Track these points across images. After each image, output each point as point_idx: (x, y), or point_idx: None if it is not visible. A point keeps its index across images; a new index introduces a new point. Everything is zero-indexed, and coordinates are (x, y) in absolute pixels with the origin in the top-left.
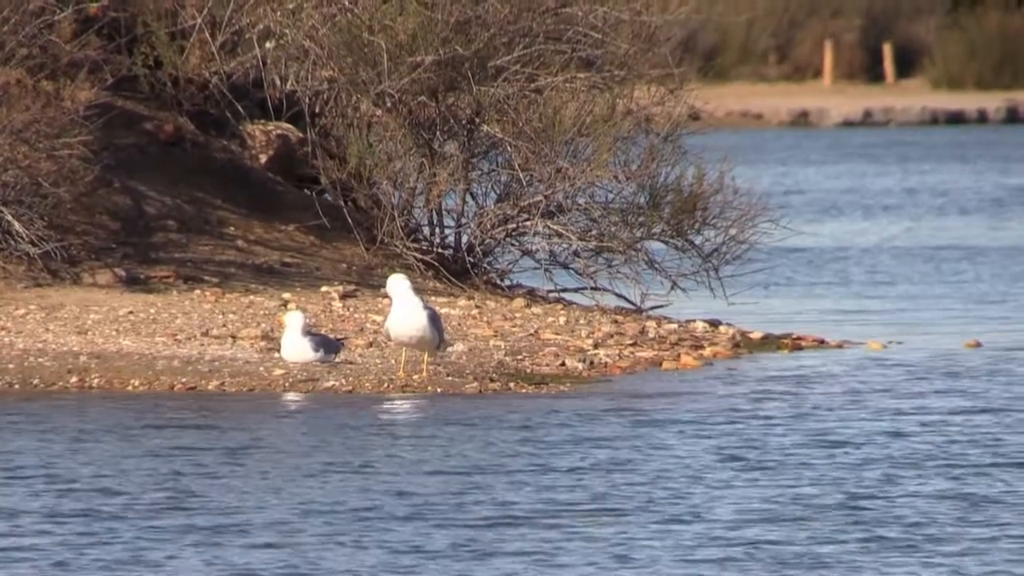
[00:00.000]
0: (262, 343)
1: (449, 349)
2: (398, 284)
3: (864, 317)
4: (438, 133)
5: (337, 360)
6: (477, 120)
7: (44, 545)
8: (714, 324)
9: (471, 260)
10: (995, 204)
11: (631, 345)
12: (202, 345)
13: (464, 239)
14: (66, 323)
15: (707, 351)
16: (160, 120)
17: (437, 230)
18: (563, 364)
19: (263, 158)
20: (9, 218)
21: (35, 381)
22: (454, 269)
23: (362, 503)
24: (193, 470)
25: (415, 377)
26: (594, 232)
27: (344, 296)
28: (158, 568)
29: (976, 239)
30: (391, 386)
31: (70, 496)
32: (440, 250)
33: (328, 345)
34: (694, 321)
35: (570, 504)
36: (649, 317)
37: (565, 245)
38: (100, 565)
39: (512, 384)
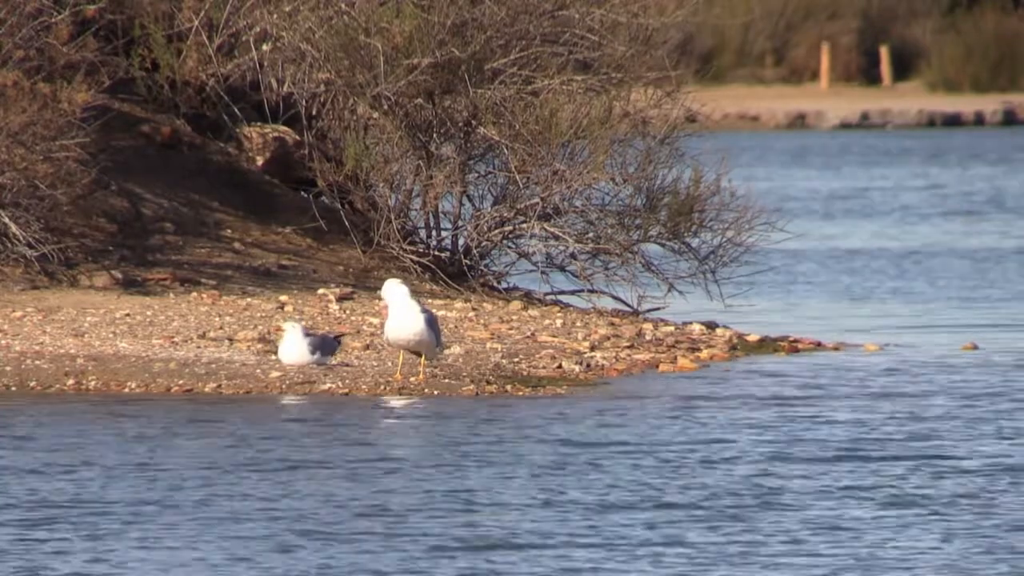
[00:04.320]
0: (259, 345)
1: (446, 352)
2: (394, 289)
3: (861, 320)
4: (435, 135)
5: (334, 361)
6: (474, 123)
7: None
8: (711, 326)
9: (468, 262)
10: (993, 206)
11: (628, 347)
12: (199, 347)
13: (461, 241)
14: (63, 325)
15: (704, 353)
16: (157, 123)
17: (434, 232)
18: (560, 367)
19: (260, 160)
20: (6, 220)
21: (32, 383)
22: (451, 271)
23: (357, 503)
24: (189, 471)
25: (412, 380)
26: (591, 234)
27: (341, 298)
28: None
29: (974, 241)
30: (388, 388)
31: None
32: (437, 252)
33: (325, 346)
34: (691, 323)
35: (566, 503)
36: (646, 319)
37: (562, 247)
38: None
39: (509, 387)
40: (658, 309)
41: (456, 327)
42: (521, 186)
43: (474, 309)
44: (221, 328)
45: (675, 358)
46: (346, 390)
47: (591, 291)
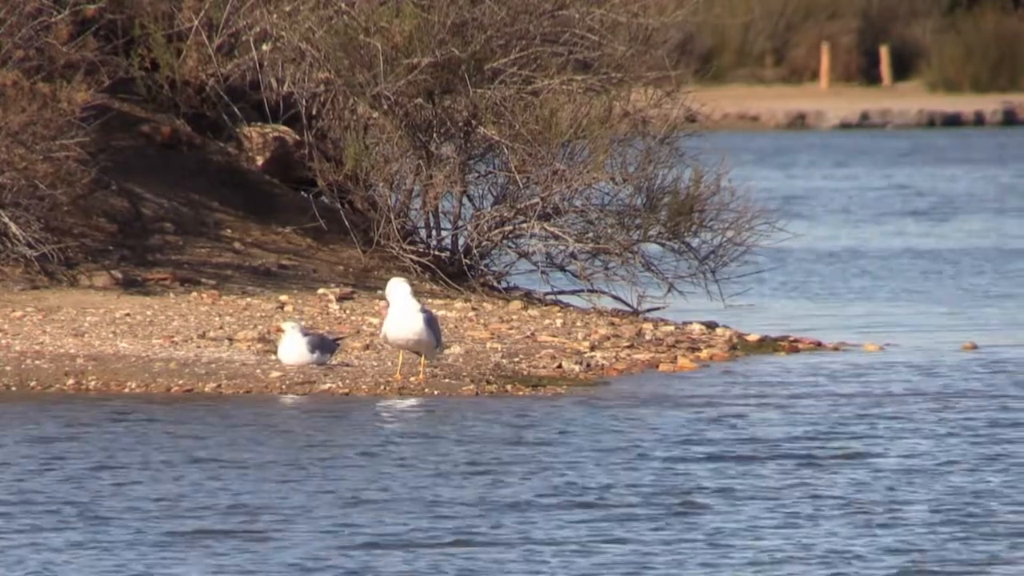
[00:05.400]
0: (259, 345)
1: (446, 352)
2: (397, 288)
3: (861, 319)
4: (435, 135)
5: (333, 361)
6: (474, 122)
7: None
8: (711, 326)
9: (468, 262)
10: (993, 206)
11: (628, 347)
12: (199, 347)
13: (461, 241)
14: (63, 325)
15: (704, 353)
16: (157, 122)
17: (434, 232)
18: (560, 366)
19: (260, 160)
20: (6, 220)
21: (32, 383)
22: (451, 271)
23: (356, 503)
24: (190, 470)
25: (412, 380)
26: (591, 234)
27: (341, 298)
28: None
29: (974, 241)
30: (388, 388)
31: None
32: (437, 252)
33: (324, 345)
34: (691, 323)
35: (566, 502)
36: (646, 319)
37: (562, 247)
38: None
39: (509, 386)
40: (658, 309)
41: (456, 327)
42: (521, 186)
43: (474, 309)
44: (221, 328)
45: (675, 358)
46: (346, 390)
47: (591, 291)
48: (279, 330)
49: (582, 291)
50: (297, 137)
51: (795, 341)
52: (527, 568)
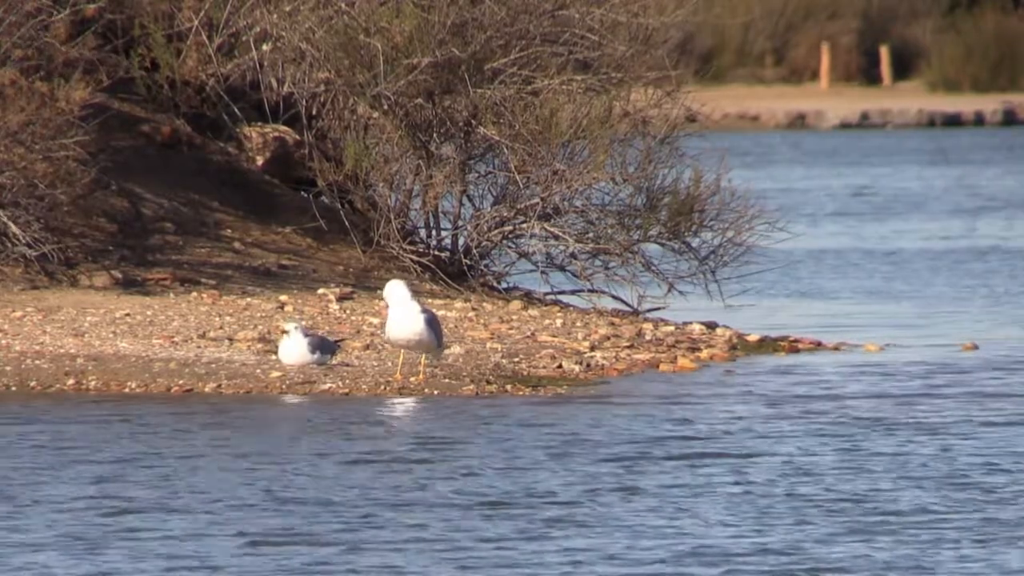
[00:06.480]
0: (259, 345)
1: (446, 352)
2: (396, 289)
3: (861, 320)
4: (435, 135)
5: (334, 362)
6: (474, 122)
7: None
8: (711, 326)
9: (468, 262)
10: (993, 206)
11: (628, 347)
12: (199, 347)
13: (461, 241)
14: (63, 325)
15: (704, 353)
16: (157, 122)
17: (434, 232)
18: (560, 366)
19: (260, 160)
20: (5, 220)
21: (32, 383)
22: (451, 271)
23: (356, 503)
24: (188, 470)
25: (412, 379)
26: (591, 234)
27: (341, 298)
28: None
29: (974, 241)
30: (388, 388)
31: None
32: (437, 252)
33: (324, 346)
34: (691, 323)
35: (564, 501)
36: (646, 319)
37: (562, 247)
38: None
39: (509, 386)
40: (658, 309)
41: (456, 327)
42: (521, 186)
43: (474, 309)
44: (221, 328)
45: (675, 358)
46: (346, 390)
47: (591, 291)
48: (283, 331)
49: (582, 291)
50: (297, 137)
51: (795, 341)
52: (517, 566)
